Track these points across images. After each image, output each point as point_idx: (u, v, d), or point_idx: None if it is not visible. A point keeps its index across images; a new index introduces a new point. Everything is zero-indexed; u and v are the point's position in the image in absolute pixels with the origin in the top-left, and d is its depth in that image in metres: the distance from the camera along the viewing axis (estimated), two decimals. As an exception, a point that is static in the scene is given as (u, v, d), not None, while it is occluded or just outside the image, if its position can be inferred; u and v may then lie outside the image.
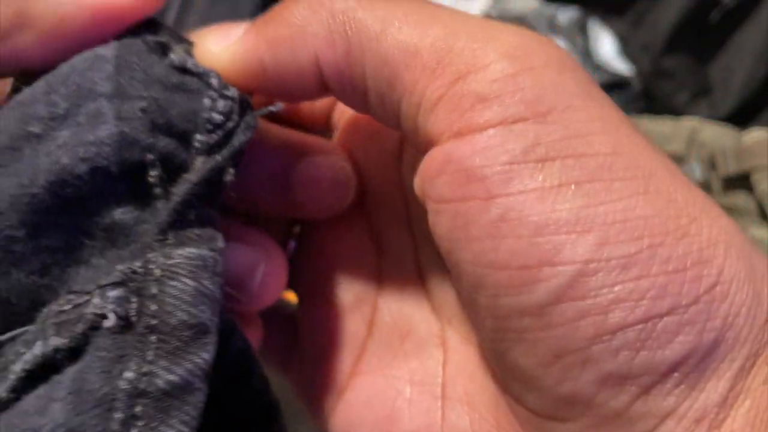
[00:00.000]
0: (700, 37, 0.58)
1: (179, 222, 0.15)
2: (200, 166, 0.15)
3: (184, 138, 0.15)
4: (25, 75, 0.16)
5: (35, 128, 0.14)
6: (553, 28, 0.59)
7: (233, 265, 0.18)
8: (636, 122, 0.54)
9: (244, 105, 0.16)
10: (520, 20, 0.59)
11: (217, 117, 0.16)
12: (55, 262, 0.15)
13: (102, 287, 0.14)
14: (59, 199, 0.14)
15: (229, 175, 0.16)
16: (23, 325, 0.15)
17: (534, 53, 0.16)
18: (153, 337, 0.14)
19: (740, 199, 0.47)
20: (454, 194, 0.15)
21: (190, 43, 0.18)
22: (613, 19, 0.63)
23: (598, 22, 0.63)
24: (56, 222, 0.15)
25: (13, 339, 0.15)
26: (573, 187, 0.14)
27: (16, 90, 0.16)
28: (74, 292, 0.15)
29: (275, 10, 0.18)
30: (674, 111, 0.58)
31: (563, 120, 0.15)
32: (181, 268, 0.15)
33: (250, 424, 0.17)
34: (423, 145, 0.17)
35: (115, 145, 0.14)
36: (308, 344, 0.21)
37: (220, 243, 0.15)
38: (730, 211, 0.47)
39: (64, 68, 0.15)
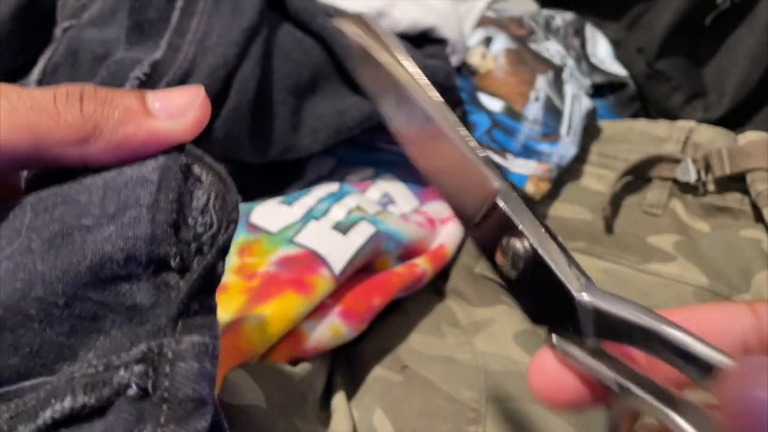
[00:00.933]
0: (694, 40, 0.59)
1: (186, 312, 0.19)
2: (196, 266, 0.20)
3: (187, 242, 0.20)
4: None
5: (88, 222, 0.19)
6: (549, 29, 0.60)
7: None
8: (632, 123, 0.55)
9: (222, 205, 0.21)
10: (517, 21, 0.59)
11: (201, 229, 0.20)
12: (82, 329, 0.19)
13: (128, 363, 0.18)
14: (97, 279, 0.18)
15: (221, 268, 0.20)
16: (43, 375, 0.19)
17: None
18: (164, 406, 0.18)
19: (735, 200, 0.48)
20: None
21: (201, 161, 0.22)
22: (608, 23, 0.63)
23: (594, 25, 0.63)
24: (90, 297, 0.18)
25: (33, 387, 0.18)
26: None
27: (32, 179, 0.21)
28: (100, 361, 0.18)
29: None
30: (669, 113, 0.59)
31: None
32: (188, 352, 0.18)
33: None
34: None
35: (147, 242, 0.19)
36: None
37: (218, 330, 0.20)
38: (725, 212, 0.48)
39: (117, 180, 0.20)
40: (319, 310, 0.38)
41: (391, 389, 0.39)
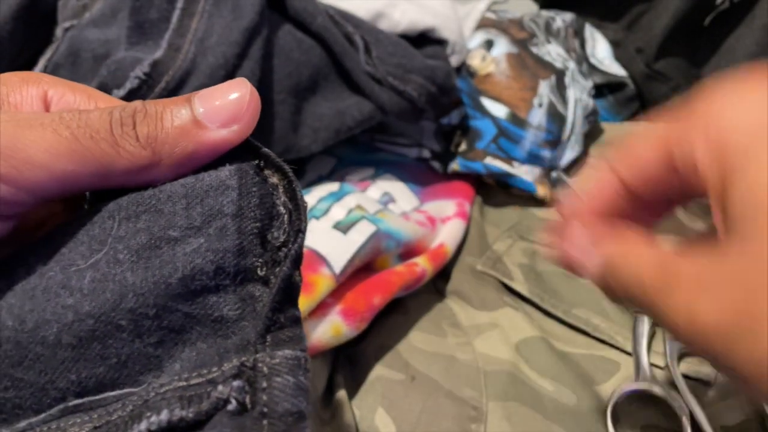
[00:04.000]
0: (693, 41, 0.59)
1: (274, 325, 0.19)
2: (275, 276, 0.20)
3: (270, 251, 0.20)
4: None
5: (175, 233, 0.19)
6: (549, 31, 0.60)
7: None
8: (633, 126, 0.55)
9: (292, 215, 0.21)
10: (517, 24, 0.59)
11: (281, 236, 0.20)
12: (169, 340, 0.19)
13: (225, 378, 0.18)
14: (186, 291, 0.19)
15: (298, 277, 0.20)
16: (128, 386, 0.19)
17: None
18: (265, 422, 0.18)
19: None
20: None
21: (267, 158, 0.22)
22: (607, 24, 0.63)
23: (594, 26, 0.64)
24: (179, 308, 0.19)
25: (117, 397, 0.18)
26: None
27: (91, 201, 0.21)
28: (192, 374, 0.18)
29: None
30: (669, 113, 0.59)
31: None
32: (283, 367, 0.19)
33: None
34: None
35: (236, 253, 0.19)
36: None
37: (306, 342, 0.20)
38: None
39: (197, 187, 0.20)
40: (319, 309, 0.38)
41: (392, 388, 0.39)
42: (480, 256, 0.48)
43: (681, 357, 0.38)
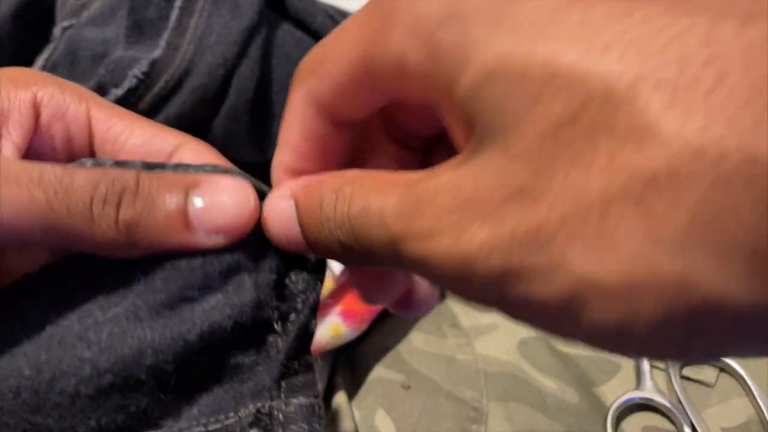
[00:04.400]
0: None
1: (287, 372, 0.20)
2: (292, 323, 0.20)
3: (286, 301, 0.21)
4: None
5: (193, 293, 0.19)
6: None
7: None
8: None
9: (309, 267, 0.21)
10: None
11: (300, 282, 0.21)
12: (187, 388, 0.19)
13: (243, 427, 0.19)
14: (205, 344, 0.19)
15: (313, 324, 0.21)
16: (149, 429, 0.19)
17: None
18: None
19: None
20: None
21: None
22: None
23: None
24: (198, 361, 0.19)
25: None
26: None
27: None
28: (209, 419, 0.19)
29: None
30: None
31: None
32: (298, 415, 0.19)
33: None
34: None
35: (253, 307, 0.19)
36: None
37: (318, 388, 0.20)
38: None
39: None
40: (319, 310, 0.38)
41: (392, 389, 0.39)
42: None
43: (682, 358, 0.38)
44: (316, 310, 0.21)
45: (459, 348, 0.42)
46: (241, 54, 0.39)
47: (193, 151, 0.22)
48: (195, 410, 0.19)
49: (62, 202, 0.18)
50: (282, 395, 0.20)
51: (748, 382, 0.37)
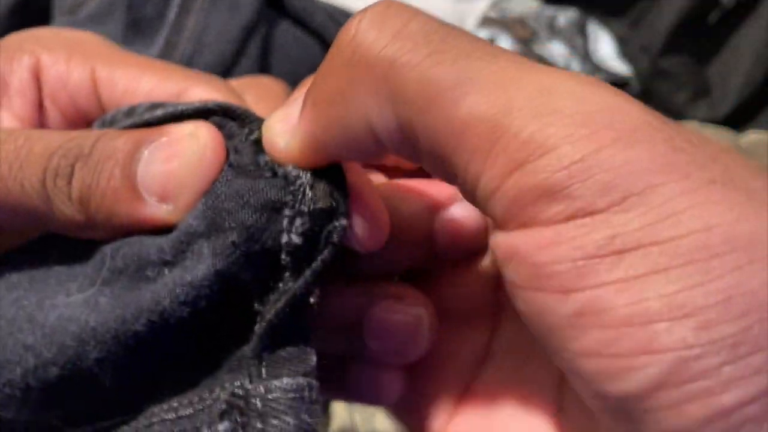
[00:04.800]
0: (698, 38, 0.58)
1: (271, 346, 0.16)
2: (284, 290, 0.16)
3: (273, 259, 0.16)
4: None
5: (150, 272, 0.16)
6: (552, 29, 0.59)
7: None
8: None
9: (324, 217, 0.16)
10: (520, 22, 0.59)
11: (296, 238, 0.16)
12: (153, 372, 0.16)
13: (212, 419, 0.15)
14: (167, 324, 0.16)
15: (314, 297, 0.16)
16: (121, 414, 0.16)
17: (600, 128, 0.14)
18: None
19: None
20: (525, 284, 0.14)
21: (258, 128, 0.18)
22: (611, 21, 0.63)
23: (597, 23, 0.63)
24: (163, 341, 0.16)
25: (107, 428, 0.17)
26: (662, 274, 0.13)
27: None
28: (181, 402, 0.16)
29: (324, 76, 0.17)
30: (673, 111, 0.58)
31: (642, 205, 0.13)
32: (281, 404, 0.15)
33: None
34: (491, 219, 0.15)
35: (214, 281, 0.16)
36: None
37: (312, 360, 0.16)
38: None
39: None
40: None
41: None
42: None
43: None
44: (317, 278, 0.16)
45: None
46: (240, 52, 0.39)
47: (198, 95, 0.20)
48: (168, 389, 0.16)
49: (17, 180, 0.16)
50: (263, 372, 0.16)
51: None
